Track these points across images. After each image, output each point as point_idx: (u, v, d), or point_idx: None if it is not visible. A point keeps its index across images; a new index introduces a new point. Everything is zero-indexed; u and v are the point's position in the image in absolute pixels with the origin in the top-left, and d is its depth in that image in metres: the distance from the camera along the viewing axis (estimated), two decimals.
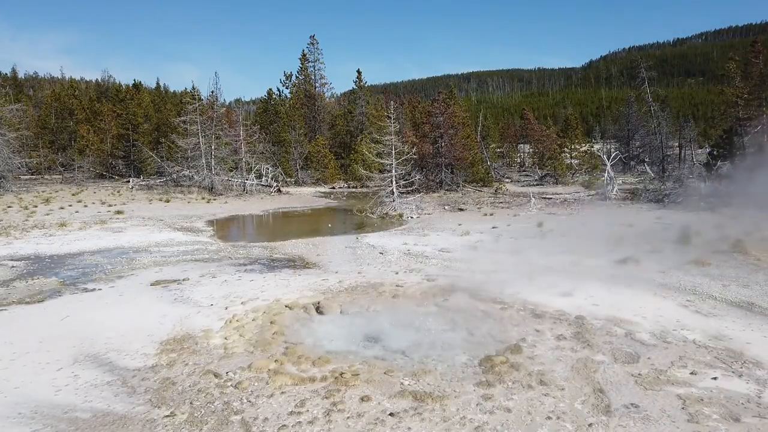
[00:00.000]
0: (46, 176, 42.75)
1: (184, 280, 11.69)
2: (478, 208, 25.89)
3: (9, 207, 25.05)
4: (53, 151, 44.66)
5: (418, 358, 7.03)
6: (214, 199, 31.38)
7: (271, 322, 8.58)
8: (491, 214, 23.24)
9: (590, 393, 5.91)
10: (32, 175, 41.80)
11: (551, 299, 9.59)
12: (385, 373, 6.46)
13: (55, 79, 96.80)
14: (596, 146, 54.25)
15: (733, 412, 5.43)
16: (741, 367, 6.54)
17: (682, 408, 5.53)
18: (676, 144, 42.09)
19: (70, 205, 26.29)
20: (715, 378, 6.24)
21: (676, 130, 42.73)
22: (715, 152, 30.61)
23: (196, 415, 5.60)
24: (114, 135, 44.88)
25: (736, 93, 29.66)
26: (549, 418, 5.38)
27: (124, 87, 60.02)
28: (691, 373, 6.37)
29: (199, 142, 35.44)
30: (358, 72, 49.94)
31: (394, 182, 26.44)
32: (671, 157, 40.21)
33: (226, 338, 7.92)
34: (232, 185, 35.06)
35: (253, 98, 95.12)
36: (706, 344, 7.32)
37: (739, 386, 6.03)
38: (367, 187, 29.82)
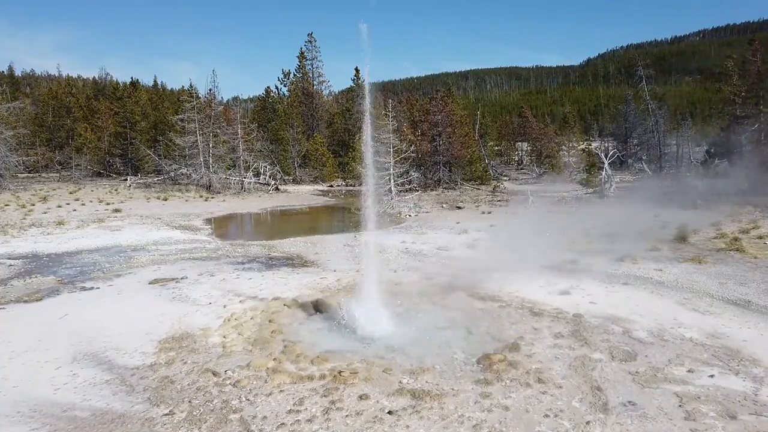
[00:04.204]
0: (43, 174, 42.62)
1: (182, 278, 11.68)
2: (476, 206, 25.92)
3: (6, 205, 25.00)
4: (50, 149, 44.55)
5: (417, 356, 7.04)
6: (212, 198, 31.35)
7: (270, 321, 8.59)
8: (489, 213, 23.26)
9: (588, 391, 5.94)
10: (29, 173, 41.69)
11: (549, 297, 9.63)
12: (383, 371, 6.48)
13: (52, 76, 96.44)
14: (594, 144, 54.26)
15: (729, 409, 5.46)
16: (738, 365, 6.57)
17: (679, 406, 5.56)
18: (674, 142, 42.18)
19: (68, 204, 26.24)
20: (712, 376, 6.27)
21: (674, 128, 42.81)
22: (712, 150, 30.70)
23: (194, 413, 5.61)
24: (111, 133, 44.77)
25: (734, 91, 29.74)
26: (547, 415, 5.41)
27: (121, 85, 59.95)
28: (688, 371, 6.40)
29: (196, 140, 35.38)
30: (357, 70, 49.89)
31: (392, 180, 26.45)
32: (669, 155, 40.31)
33: (224, 337, 7.93)
34: (230, 183, 35.01)
35: (251, 96, 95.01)
36: (703, 342, 7.35)
37: (736, 384, 6.06)
38: (365, 185, 29.79)
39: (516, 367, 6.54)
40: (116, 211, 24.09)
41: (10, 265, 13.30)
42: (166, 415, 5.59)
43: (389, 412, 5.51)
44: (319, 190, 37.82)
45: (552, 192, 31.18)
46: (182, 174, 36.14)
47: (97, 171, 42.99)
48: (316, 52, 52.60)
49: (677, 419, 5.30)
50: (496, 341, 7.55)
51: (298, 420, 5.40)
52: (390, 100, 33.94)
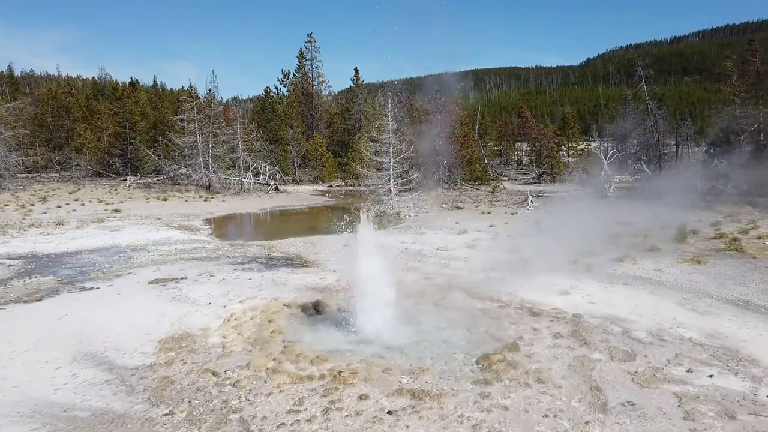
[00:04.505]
0: (42, 174, 42.60)
1: (182, 278, 11.69)
2: (476, 206, 25.94)
3: (6, 205, 24.99)
4: (50, 149, 44.48)
5: (416, 356, 7.05)
6: (212, 198, 31.35)
7: (269, 321, 8.60)
8: (489, 213, 23.28)
9: (587, 391, 5.95)
10: (29, 173, 41.68)
11: (548, 297, 9.63)
12: (383, 371, 6.49)
13: (51, 77, 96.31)
14: (593, 144, 54.27)
15: (728, 409, 5.47)
16: (737, 365, 6.58)
17: (678, 406, 5.57)
18: (673, 142, 42.24)
19: (68, 204, 26.24)
20: (711, 376, 6.28)
21: (673, 129, 42.86)
22: (711, 150, 30.72)
23: (194, 413, 5.62)
24: (111, 133, 44.79)
25: (733, 91, 29.75)
26: (546, 415, 5.42)
27: (120, 85, 59.86)
28: (688, 371, 6.41)
29: (196, 140, 35.39)
30: (356, 70, 49.91)
31: (391, 181, 26.45)
32: (668, 155, 40.34)
33: (224, 337, 7.94)
34: (230, 183, 35.03)
35: (251, 96, 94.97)
36: (702, 342, 7.36)
37: (735, 384, 6.07)
38: (365, 185, 29.83)
39: (515, 367, 6.55)
40: (116, 211, 24.09)
41: (10, 266, 13.30)
42: (166, 415, 5.59)
43: (389, 412, 5.52)
44: (319, 191, 37.83)
45: (551, 192, 31.21)
46: (182, 174, 36.15)
47: (96, 171, 42.98)
48: (316, 52, 52.61)
49: (676, 419, 5.31)
50: (496, 341, 7.56)
51: (298, 420, 5.41)
52: (389, 100, 33.95)
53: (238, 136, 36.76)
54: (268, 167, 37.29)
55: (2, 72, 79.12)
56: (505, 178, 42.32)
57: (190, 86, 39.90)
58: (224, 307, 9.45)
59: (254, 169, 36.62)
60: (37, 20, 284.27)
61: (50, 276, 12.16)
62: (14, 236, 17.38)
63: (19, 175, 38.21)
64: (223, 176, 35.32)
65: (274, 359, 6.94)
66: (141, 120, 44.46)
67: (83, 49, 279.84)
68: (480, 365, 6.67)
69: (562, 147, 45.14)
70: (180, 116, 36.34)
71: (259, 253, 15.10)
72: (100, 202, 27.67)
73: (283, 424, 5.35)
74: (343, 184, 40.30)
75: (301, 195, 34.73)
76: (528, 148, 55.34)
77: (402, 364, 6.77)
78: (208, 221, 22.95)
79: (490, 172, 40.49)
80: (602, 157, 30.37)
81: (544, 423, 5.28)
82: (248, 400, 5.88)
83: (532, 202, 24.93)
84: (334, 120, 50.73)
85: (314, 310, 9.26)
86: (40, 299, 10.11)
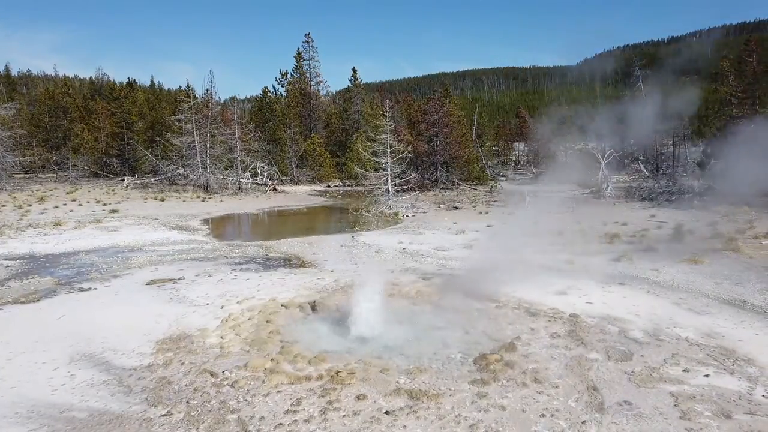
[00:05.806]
0: (40, 175, 42.45)
1: (179, 279, 11.69)
2: (474, 206, 25.97)
3: (3, 206, 24.93)
4: (47, 149, 44.33)
5: (414, 356, 7.06)
6: (210, 198, 31.32)
7: (267, 321, 8.60)
8: (487, 213, 23.31)
9: (584, 390, 5.97)
10: (26, 173, 41.53)
11: (546, 297, 9.66)
12: (380, 371, 6.50)
13: (48, 77, 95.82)
14: (591, 144, 54.36)
15: (724, 409, 5.50)
16: (733, 365, 6.61)
17: (675, 405, 5.60)
18: (670, 142, 42.28)
19: (65, 204, 26.19)
20: (707, 375, 6.31)
21: (670, 128, 42.86)
22: (708, 150, 30.82)
23: (192, 414, 5.62)
24: (108, 133, 44.64)
25: (730, 91, 29.85)
26: (543, 415, 5.44)
27: (118, 85, 59.65)
28: (684, 371, 6.44)
29: (194, 140, 35.34)
30: (354, 70, 49.88)
31: (389, 181, 26.46)
32: (665, 155, 40.40)
33: (222, 337, 7.94)
34: (228, 184, 34.97)
35: (249, 96, 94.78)
36: (698, 342, 7.39)
37: (731, 383, 6.10)
38: (363, 185, 29.83)
39: (512, 367, 6.57)
40: (113, 211, 24.06)
41: (7, 266, 13.27)
42: (163, 415, 5.60)
43: (386, 413, 5.53)
44: (317, 191, 37.81)
45: (549, 192, 31.23)
46: (179, 174, 36.08)
47: (94, 171, 42.82)
48: (314, 52, 52.56)
49: (673, 419, 5.34)
50: (493, 341, 7.58)
51: (296, 420, 5.42)
52: (387, 100, 34.01)
53: (236, 136, 36.71)
54: (265, 167, 37.27)
55: None
56: (502, 178, 42.37)
57: (188, 86, 39.62)
58: (222, 307, 9.45)
59: (252, 169, 36.59)
60: (34, 20, 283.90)
61: (48, 276, 12.15)
62: (12, 237, 17.34)
63: (16, 175, 38.07)
64: (221, 176, 35.26)
65: (271, 360, 6.95)
66: (138, 120, 44.31)
67: (80, 49, 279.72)
68: (477, 365, 6.69)
69: (560, 147, 45.12)
70: (178, 116, 36.26)
71: (257, 253, 15.09)
72: (98, 202, 27.62)
73: (281, 424, 5.36)
74: (341, 184, 40.27)
75: (299, 195, 34.72)
76: (526, 148, 55.40)
77: (399, 364, 6.79)
78: (205, 221, 22.93)
79: (488, 172, 40.53)
80: (600, 158, 30.40)
81: (541, 423, 5.30)
82: (246, 400, 5.89)
83: (529, 202, 24.94)
84: (332, 120, 50.69)
85: (312, 310, 9.27)
86: (38, 300, 10.10)
